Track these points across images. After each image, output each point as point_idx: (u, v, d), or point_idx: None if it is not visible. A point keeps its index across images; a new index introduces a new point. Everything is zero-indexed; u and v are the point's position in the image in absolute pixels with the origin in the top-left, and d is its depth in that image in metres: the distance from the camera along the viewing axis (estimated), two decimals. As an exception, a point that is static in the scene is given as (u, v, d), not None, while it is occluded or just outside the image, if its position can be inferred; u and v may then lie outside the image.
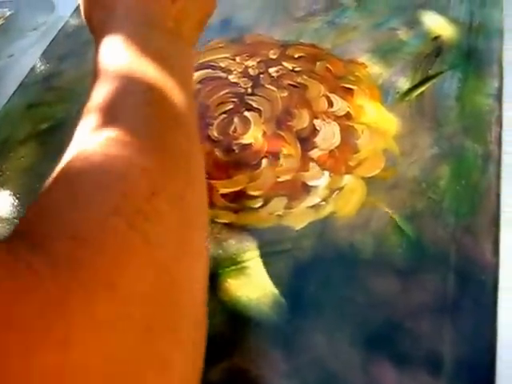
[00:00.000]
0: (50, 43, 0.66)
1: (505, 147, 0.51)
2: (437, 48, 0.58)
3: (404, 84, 0.56)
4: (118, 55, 0.32)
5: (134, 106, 0.29)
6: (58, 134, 0.58)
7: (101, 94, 0.30)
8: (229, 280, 0.46)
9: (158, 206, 0.24)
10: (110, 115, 0.28)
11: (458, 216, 0.47)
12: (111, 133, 0.27)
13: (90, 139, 0.27)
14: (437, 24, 0.60)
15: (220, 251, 0.47)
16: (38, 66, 0.64)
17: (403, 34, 0.60)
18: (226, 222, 0.49)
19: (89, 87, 0.32)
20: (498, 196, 0.48)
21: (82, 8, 0.40)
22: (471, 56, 0.57)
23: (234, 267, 0.47)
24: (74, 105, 0.58)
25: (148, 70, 0.31)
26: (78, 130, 0.28)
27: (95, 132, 0.27)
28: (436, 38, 0.59)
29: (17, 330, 0.18)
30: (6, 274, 0.19)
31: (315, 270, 0.46)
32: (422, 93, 0.55)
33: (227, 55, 0.62)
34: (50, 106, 0.60)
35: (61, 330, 0.19)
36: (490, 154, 0.50)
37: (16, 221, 0.51)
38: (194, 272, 0.26)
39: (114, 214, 0.23)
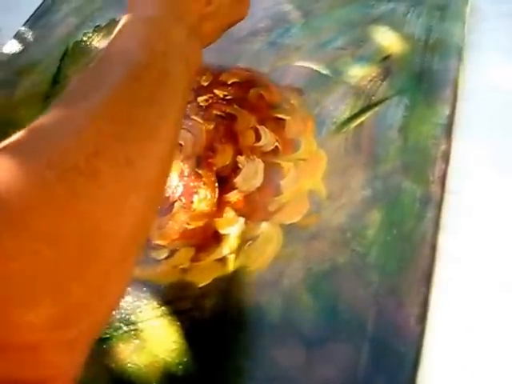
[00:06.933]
0: (-16, 72, 0.62)
1: (450, 186, 0.44)
2: (385, 70, 0.51)
3: (342, 113, 0.49)
4: (130, 36, 0.35)
5: (118, 78, 0.31)
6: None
7: (99, 58, 0.34)
8: (120, 344, 0.41)
9: (96, 165, 0.26)
10: (94, 82, 0.32)
11: (384, 273, 0.41)
12: (85, 96, 0.30)
13: (63, 98, 0.31)
14: (388, 41, 0.53)
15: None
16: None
17: (349, 53, 0.53)
18: (126, 275, 0.44)
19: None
20: (433, 249, 0.41)
21: None
22: (423, 78, 0.49)
23: (126, 328, 0.42)
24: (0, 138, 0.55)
25: (152, 53, 0.34)
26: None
27: (73, 92, 0.31)
28: (386, 57, 0.52)
29: None
30: None
31: (213, 335, 0.40)
32: (361, 123, 0.48)
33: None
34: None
35: None
36: (429, 197, 0.43)
37: None
38: (123, 227, 0.28)
39: (46, 167, 0.25)
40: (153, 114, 0.32)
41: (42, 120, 0.29)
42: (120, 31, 0.36)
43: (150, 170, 0.30)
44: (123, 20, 0.37)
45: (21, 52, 0.62)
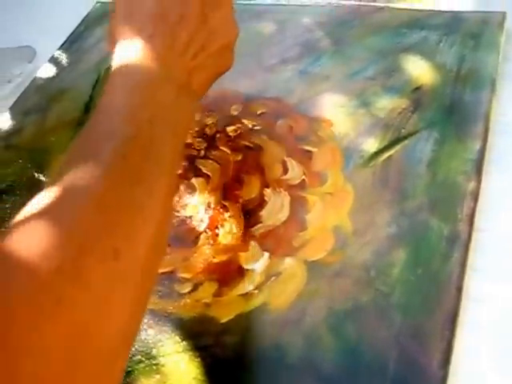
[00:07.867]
0: (20, 96, 0.63)
1: (478, 224, 0.43)
2: (415, 101, 0.50)
3: (371, 146, 0.48)
4: (119, 101, 0.34)
5: (104, 158, 0.30)
6: (11, 195, 0.55)
7: (85, 133, 0.33)
8: (142, 378, 0.41)
9: (82, 265, 0.26)
10: (80, 165, 0.30)
11: (407, 314, 0.40)
12: (72, 186, 0.29)
13: (47, 191, 0.29)
14: (420, 71, 0.52)
15: (137, 343, 0.43)
16: (3, 121, 0.62)
17: (379, 84, 0.52)
18: (149, 307, 0.44)
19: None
20: (459, 290, 0.40)
21: (110, 26, 0.42)
22: (454, 111, 0.48)
23: (148, 362, 0.42)
24: (31, 164, 0.56)
25: (137, 122, 0.33)
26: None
27: (61, 179, 0.30)
28: (417, 88, 0.51)
29: None
30: None
31: (233, 373, 0.40)
32: (389, 157, 0.47)
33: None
34: (7, 166, 0.57)
35: None
36: (457, 236, 0.42)
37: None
38: (110, 327, 0.27)
39: (28, 275, 0.25)
40: (139, 193, 0.31)
41: (29, 218, 0.28)
42: (105, 102, 0.35)
43: (138, 256, 0.29)
44: (108, 86, 0.36)
45: (54, 77, 0.64)
